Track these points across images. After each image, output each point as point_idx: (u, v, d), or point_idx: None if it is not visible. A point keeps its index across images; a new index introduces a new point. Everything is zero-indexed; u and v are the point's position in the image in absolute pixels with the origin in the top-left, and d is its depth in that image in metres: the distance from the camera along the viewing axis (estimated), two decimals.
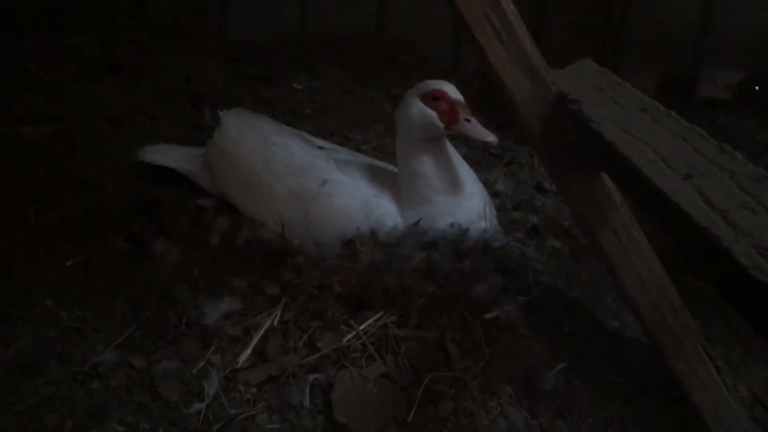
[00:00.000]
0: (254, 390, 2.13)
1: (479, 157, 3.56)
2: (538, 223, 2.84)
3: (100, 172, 3.01)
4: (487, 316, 2.29)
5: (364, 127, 3.81)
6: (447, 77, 4.55)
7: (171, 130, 3.43)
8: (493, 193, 3.06)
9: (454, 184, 2.58)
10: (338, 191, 2.61)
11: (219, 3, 4.57)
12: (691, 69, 4.92)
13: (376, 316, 2.23)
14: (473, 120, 2.48)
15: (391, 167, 2.92)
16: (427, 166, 2.56)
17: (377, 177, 2.71)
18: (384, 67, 4.46)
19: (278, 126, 2.95)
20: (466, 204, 2.59)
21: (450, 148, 2.65)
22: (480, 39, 1.71)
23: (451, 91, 2.53)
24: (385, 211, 2.59)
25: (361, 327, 2.20)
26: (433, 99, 2.52)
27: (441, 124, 2.50)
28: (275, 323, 2.26)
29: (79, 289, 2.47)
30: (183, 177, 2.97)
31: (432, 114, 2.51)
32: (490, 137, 2.43)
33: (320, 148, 2.88)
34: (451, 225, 2.55)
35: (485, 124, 2.50)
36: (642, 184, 1.43)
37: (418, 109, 2.53)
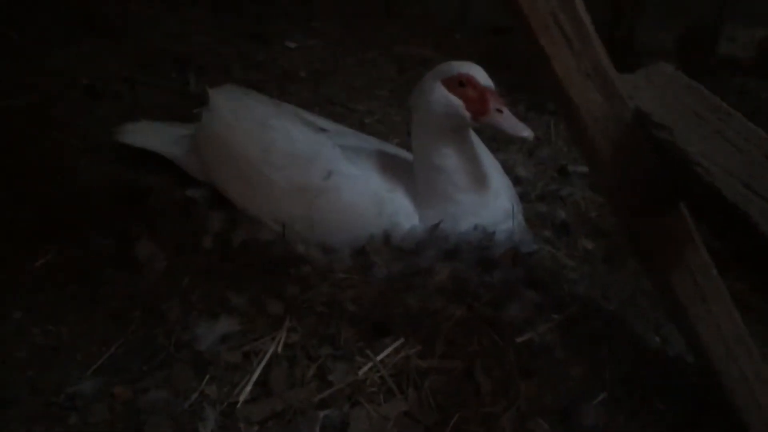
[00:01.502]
0: (256, 428, 1.86)
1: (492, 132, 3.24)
2: (567, 220, 2.55)
3: (76, 154, 2.70)
4: (519, 340, 2.02)
5: (366, 94, 3.48)
6: (452, 32, 4.29)
7: (154, 100, 3.11)
8: (514, 180, 2.76)
9: (479, 180, 2.28)
10: (346, 185, 2.32)
11: None
12: (713, 26, 4.58)
13: (396, 344, 1.95)
14: (506, 111, 2.16)
15: (403, 153, 2.61)
16: (449, 159, 2.26)
17: (389, 167, 2.41)
18: (385, 22, 4.10)
19: (276, 106, 2.62)
20: (492, 202, 2.30)
21: (474, 138, 2.34)
22: (545, 45, 1.38)
23: (480, 75, 2.20)
24: (399, 209, 2.31)
25: (379, 357, 1.92)
26: (459, 85, 2.20)
27: (468, 114, 2.19)
28: (279, 349, 1.98)
29: (53, 297, 2.19)
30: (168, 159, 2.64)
31: (457, 102, 2.19)
32: (526, 132, 2.12)
33: (322, 130, 2.55)
34: (475, 227, 2.27)
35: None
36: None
37: (441, 96, 2.21)
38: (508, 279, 2.14)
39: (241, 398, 1.89)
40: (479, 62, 2.25)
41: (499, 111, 2.16)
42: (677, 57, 4.39)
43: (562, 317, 2.12)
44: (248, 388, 1.90)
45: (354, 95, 3.43)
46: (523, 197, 2.67)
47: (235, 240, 2.30)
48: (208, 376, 1.93)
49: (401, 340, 1.96)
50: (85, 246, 2.31)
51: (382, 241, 2.20)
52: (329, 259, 2.19)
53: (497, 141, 3.18)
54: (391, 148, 2.64)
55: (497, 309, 2.05)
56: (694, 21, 4.62)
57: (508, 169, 2.80)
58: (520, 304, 2.07)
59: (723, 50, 4.66)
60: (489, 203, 2.29)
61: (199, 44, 3.52)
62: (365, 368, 1.92)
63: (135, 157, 2.65)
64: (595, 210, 2.73)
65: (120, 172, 2.59)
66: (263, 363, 1.95)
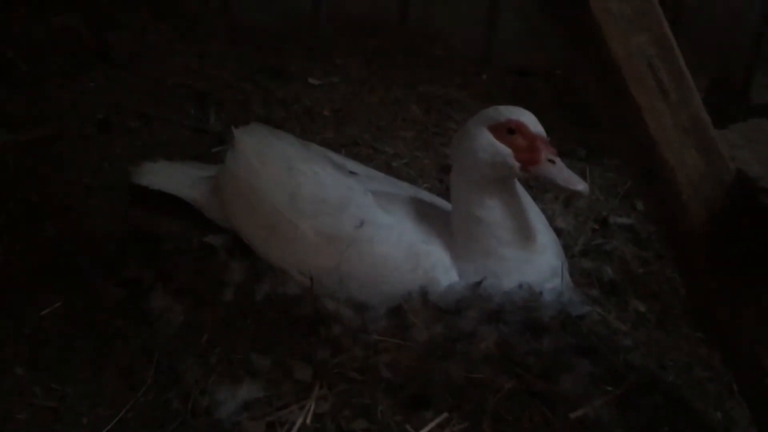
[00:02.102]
0: None
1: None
2: (614, 278, 2.37)
3: (87, 193, 2.53)
4: (573, 416, 1.82)
5: (391, 134, 3.31)
6: (478, 73, 4.14)
7: (170, 137, 2.94)
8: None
9: (524, 234, 2.11)
10: (379, 235, 2.15)
11: None
12: (746, 72, 4.44)
13: (439, 419, 1.76)
14: (558, 161, 1.99)
15: (438, 200, 2.45)
16: (493, 211, 2.09)
17: (425, 216, 2.24)
18: (409, 61, 3.94)
19: (303, 146, 2.44)
20: (538, 259, 2.12)
21: (519, 188, 2.16)
22: (637, 96, 1.21)
23: (531, 122, 2.04)
24: (437, 263, 2.13)
25: None
26: (508, 132, 2.03)
27: (516, 164, 2.02)
28: (308, 420, 1.78)
29: (58, 351, 2.02)
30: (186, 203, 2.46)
31: (506, 151, 2.02)
32: (581, 185, 1.95)
33: (352, 174, 2.38)
34: (520, 286, 2.08)
35: None
36: None
37: (487, 144, 2.05)
38: (559, 346, 1.96)
39: None
40: (504, 102, 2.13)
41: (551, 161, 1.99)
42: (706, 104, 4.25)
43: (618, 390, 1.93)
44: None
45: (379, 136, 3.26)
46: (565, 252, 2.48)
47: (259, 293, 2.12)
48: None
49: (444, 415, 1.77)
50: (94, 295, 2.15)
51: (420, 300, 2.00)
52: (362, 319, 2.00)
53: (532, 189, 3.01)
54: (426, 195, 2.47)
55: (549, 380, 1.86)
56: (724, 68, 4.49)
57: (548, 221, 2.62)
58: (573, 375, 1.89)
59: (755, 98, 4.52)
60: (535, 259, 2.12)
61: (217, 79, 3.35)
62: None
63: (150, 198, 2.48)
64: (641, 266, 2.55)
65: (133, 214, 2.41)
66: None
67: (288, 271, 2.17)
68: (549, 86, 3.80)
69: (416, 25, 4.18)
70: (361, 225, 2.15)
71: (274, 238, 2.22)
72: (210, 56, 3.53)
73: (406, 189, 2.45)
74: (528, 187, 2.88)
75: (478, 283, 2.07)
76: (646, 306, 2.33)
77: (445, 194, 2.63)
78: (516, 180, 2.17)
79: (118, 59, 3.21)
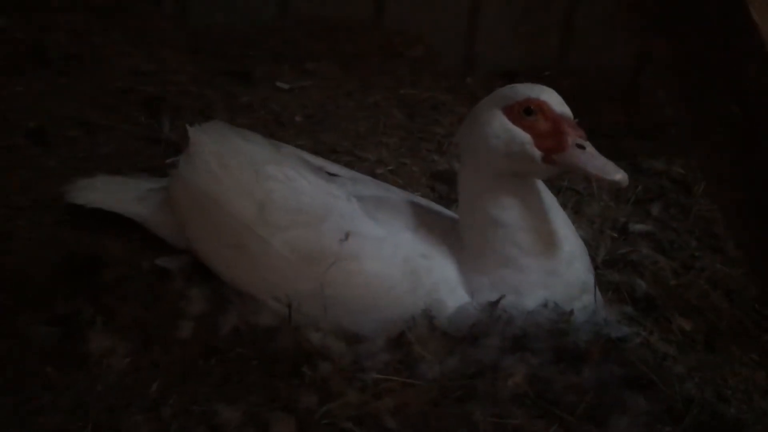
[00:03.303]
0: None
1: None
2: (650, 292, 2.01)
3: (14, 214, 2.14)
4: None
5: (373, 141, 2.97)
6: (463, 75, 3.81)
7: (117, 147, 2.56)
8: None
9: (548, 241, 1.77)
10: (369, 250, 1.80)
11: None
12: None
13: None
14: (589, 146, 1.63)
15: (434, 206, 2.11)
16: (511, 212, 1.74)
17: (421, 224, 1.88)
18: (388, 64, 3.61)
19: (273, 147, 2.07)
20: (565, 271, 1.77)
21: (542, 186, 1.81)
22: None
23: (554, 101, 1.70)
24: (440, 282, 1.78)
25: None
26: (526, 113, 1.67)
27: (538, 153, 1.66)
28: None
29: None
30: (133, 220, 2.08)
31: (524, 137, 1.67)
32: (618, 174, 1.59)
33: (332, 176, 2.03)
34: (545, 305, 1.71)
35: None
36: None
37: (502, 129, 1.69)
38: (603, 378, 1.58)
39: None
40: None
41: (581, 147, 1.63)
42: None
43: (680, 430, 1.54)
44: None
45: (359, 142, 2.91)
46: None
47: (224, 327, 1.75)
48: None
49: None
50: (18, 336, 1.75)
51: (427, 326, 1.62)
52: (355, 353, 1.64)
53: None
54: (420, 200, 2.10)
55: (598, 423, 1.48)
56: None
57: None
58: (626, 415, 1.50)
59: None
60: (562, 271, 1.77)
61: (173, 83, 2.98)
62: None
63: (89, 216, 2.08)
64: (674, 278, 2.20)
65: (68, 236, 2.02)
66: None
67: (260, 298, 1.81)
68: None
69: (393, 26, 3.88)
70: (347, 238, 1.80)
71: (241, 258, 1.86)
72: (163, 61, 3.14)
73: (396, 193, 2.08)
74: None
75: (495, 303, 1.70)
76: (692, 323, 1.96)
77: (439, 203, 2.29)
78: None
79: (55, 63, 2.81)
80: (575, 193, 2.78)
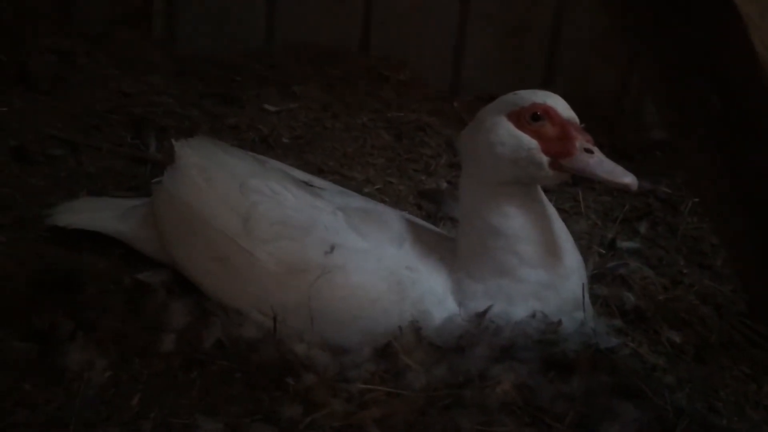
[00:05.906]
0: None
1: None
2: (639, 305, 1.98)
3: None
4: None
5: (360, 161, 2.96)
6: (449, 99, 3.82)
7: (102, 166, 2.52)
8: None
9: (549, 253, 1.74)
10: (354, 262, 1.76)
11: (164, 8, 3.60)
12: None
13: None
14: (597, 151, 1.62)
15: (420, 222, 2.11)
16: (513, 221, 1.73)
17: (407, 236, 1.86)
18: (374, 88, 3.61)
19: (257, 162, 2.04)
20: (562, 286, 1.74)
21: (542, 196, 1.79)
22: None
23: (561, 106, 1.68)
24: (426, 293, 1.75)
25: None
26: (533, 119, 1.65)
27: (545, 159, 1.65)
28: None
29: None
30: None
31: (531, 142, 1.66)
32: (628, 178, 1.58)
33: (314, 187, 2.01)
34: (533, 315, 1.67)
35: None
36: None
37: (506, 135, 1.68)
38: (592, 387, 1.55)
39: None
40: None
41: (589, 151, 1.61)
42: None
43: None
44: None
45: (346, 163, 2.89)
46: None
47: (207, 340, 1.70)
48: None
49: None
50: None
51: (413, 336, 1.58)
52: (340, 364, 1.59)
53: None
54: (406, 215, 2.07)
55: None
56: None
57: None
58: (619, 424, 1.47)
59: None
60: (558, 286, 1.74)
61: (159, 104, 2.96)
62: None
63: (70, 234, 2.05)
64: (663, 292, 2.18)
65: (48, 252, 1.97)
66: None
67: (244, 311, 1.76)
68: None
69: (379, 52, 3.89)
70: (332, 250, 1.77)
71: (225, 271, 1.82)
72: (150, 83, 3.12)
73: (381, 207, 2.06)
74: None
75: (483, 313, 1.66)
76: (682, 336, 1.94)
77: (427, 221, 2.29)
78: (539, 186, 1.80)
79: (41, 84, 2.78)
80: (562, 212, 2.75)
